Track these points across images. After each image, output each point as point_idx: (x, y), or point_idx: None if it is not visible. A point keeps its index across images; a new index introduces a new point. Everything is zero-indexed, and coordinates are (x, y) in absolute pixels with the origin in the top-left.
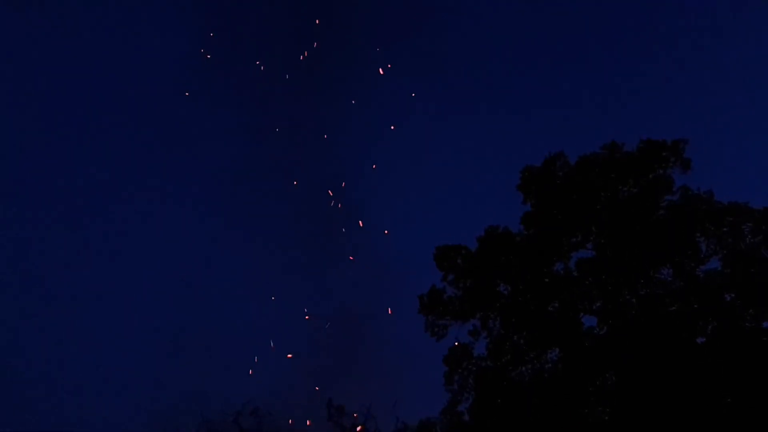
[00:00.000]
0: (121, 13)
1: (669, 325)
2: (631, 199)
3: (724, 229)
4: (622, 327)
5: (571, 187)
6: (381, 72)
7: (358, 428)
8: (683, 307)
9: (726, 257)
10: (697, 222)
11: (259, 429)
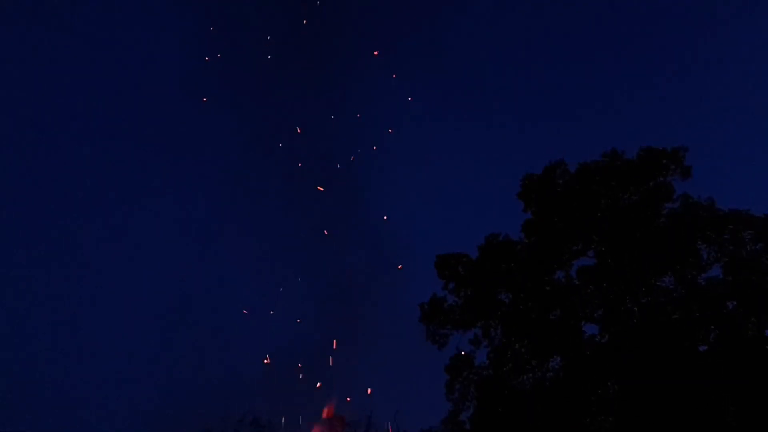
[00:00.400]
0: (121, 15)
1: (671, 333)
2: (632, 206)
3: (725, 236)
4: (623, 335)
5: (571, 195)
6: (376, 54)
7: None
8: (685, 315)
9: (727, 265)
10: (698, 230)
11: None
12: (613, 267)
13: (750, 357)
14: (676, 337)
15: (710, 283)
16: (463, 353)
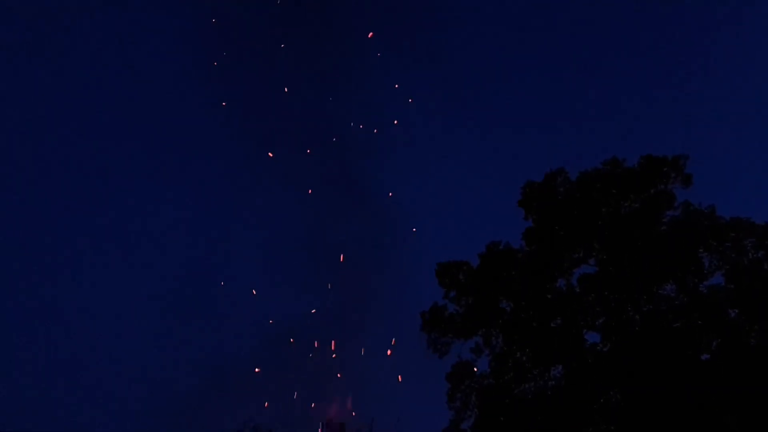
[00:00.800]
0: (122, 16)
1: (673, 341)
2: (633, 214)
3: (727, 244)
4: (625, 343)
5: (572, 203)
6: (371, 35)
7: None
8: (687, 323)
9: (729, 273)
10: (699, 237)
11: None
12: (615, 275)
13: (752, 365)
14: (677, 345)
15: (712, 291)
16: (466, 362)
